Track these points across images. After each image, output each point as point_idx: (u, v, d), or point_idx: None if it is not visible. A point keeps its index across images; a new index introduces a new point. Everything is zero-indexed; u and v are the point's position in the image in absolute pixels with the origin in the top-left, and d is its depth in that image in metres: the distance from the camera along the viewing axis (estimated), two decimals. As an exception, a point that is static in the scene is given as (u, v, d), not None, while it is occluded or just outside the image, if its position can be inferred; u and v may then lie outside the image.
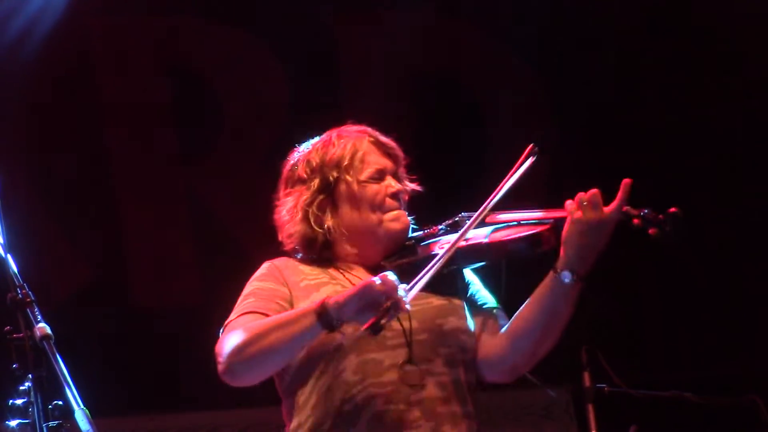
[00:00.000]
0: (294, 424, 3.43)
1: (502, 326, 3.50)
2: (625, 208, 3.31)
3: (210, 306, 6.27)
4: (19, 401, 3.03)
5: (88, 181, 6.83)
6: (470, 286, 3.60)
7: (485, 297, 3.59)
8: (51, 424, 2.98)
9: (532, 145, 3.48)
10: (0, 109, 6.49)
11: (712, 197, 7.16)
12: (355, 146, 3.56)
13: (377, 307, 3.16)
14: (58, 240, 6.68)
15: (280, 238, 3.61)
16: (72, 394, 2.90)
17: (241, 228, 6.77)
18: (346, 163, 3.53)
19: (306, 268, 3.53)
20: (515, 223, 3.42)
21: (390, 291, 3.15)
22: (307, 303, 3.38)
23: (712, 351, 7.06)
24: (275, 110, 7.02)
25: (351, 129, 3.64)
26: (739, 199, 7.17)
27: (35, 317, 3.05)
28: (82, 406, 2.89)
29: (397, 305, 3.14)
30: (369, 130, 3.64)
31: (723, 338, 7.06)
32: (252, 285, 3.51)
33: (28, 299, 3.09)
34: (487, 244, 3.39)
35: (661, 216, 3.26)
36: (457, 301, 3.50)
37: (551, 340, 3.44)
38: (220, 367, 3.33)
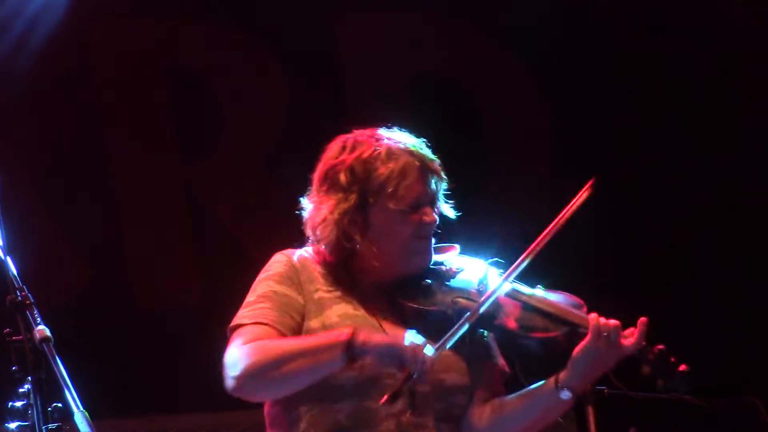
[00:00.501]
0: None
1: (499, 390, 3.50)
2: (642, 344, 3.31)
3: (210, 307, 6.30)
4: (18, 403, 3.03)
5: (88, 182, 6.84)
6: (476, 336, 3.53)
7: (489, 350, 3.55)
8: (50, 426, 2.98)
9: (593, 178, 3.39)
10: (0, 109, 6.49)
11: (712, 199, 7.16)
12: (404, 172, 3.43)
13: (398, 366, 3.17)
14: (58, 242, 6.68)
15: (305, 233, 3.55)
16: (71, 397, 2.90)
17: (242, 229, 6.78)
18: (390, 190, 3.41)
19: (321, 276, 3.48)
20: (536, 310, 3.38)
21: (418, 362, 3.14)
22: (319, 320, 3.38)
23: (711, 352, 7.05)
24: (275, 111, 7.02)
25: (401, 144, 3.49)
26: (739, 201, 7.16)
27: (35, 319, 3.04)
28: (81, 409, 2.89)
29: (419, 378, 3.16)
30: (418, 151, 3.49)
31: (722, 339, 7.05)
32: (268, 284, 3.44)
33: (28, 301, 3.08)
34: (502, 327, 3.38)
35: (671, 370, 3.30)
36: (460, 355, 3.44)
37: None
38: (231, 382, 3.28)
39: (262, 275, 3.48)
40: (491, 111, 7.18)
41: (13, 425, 3.04)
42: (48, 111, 6.68)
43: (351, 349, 3.18)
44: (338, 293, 3.45)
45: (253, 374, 3.24)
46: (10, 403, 3.04)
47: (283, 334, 3.34)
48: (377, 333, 3.28)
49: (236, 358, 3.28)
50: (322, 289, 3.44)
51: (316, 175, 3.54)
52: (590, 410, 5.33)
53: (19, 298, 3.08)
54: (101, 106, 6.95)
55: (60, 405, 2.99)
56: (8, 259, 3.18)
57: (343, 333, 3.22)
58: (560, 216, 3.37)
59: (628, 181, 7.18)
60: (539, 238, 3.34)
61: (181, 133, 7.08)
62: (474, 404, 3.46)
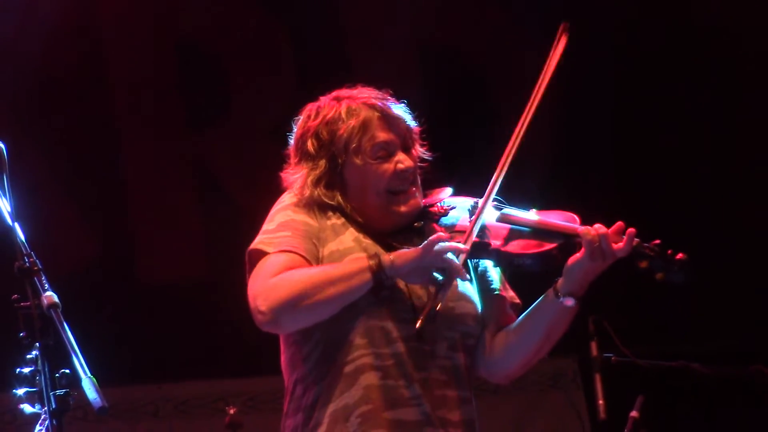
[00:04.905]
0: (297, 375, 3.41)
1: (509, 319, 3.52)
2: (636, 241, 3.28)
3: (217, 277, 6.31)
4: (26, 370, 3.02)
5: (97, 151, 6.86)
6: (482, 267, 3.57)
7: (496, 281, 3.57)
8: (58, 392, 2.98)
9: (564, 23, 3.45)
10: (9, 79, 6.50)
11: (721, 175, 7.16)
12: (364, 124, 3.46)
13: (429, 272, 3.22)
14: (66, 208, 6.70)
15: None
16: (79, 363, 2.90)
17: (249, 200, 6.78)
18: (354, 145, 3.44)
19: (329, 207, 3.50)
20: (528, 228, 3.39)
21: (449, 263, 3.20)
22: (335, 243, 3.40)
23: (719, 321, 7.06)
24: (283, 82, 7.02)
25: (360, 99, 3.52)
26: (745, 180, 7.18)
27: (42, 286, 3.04)
28: (89, 375, 2.90)
29: (449, 280, 3.21)
30: (377, 102, 3.51)
31: (730, 308, 7.06)
32: (286, 213, 3.45)
33: (36, 267, 3.08)
34: (497, 250, 3.38)
35: (668, 260, 3.24)
36: (469, 285, 3.48)
37: (546, 351, 3.49)
38: (261, 317, 3.29)
39: (277, 206, 3.50)
40: (497, 80, 7.18)
41: (20, 391, 3.03)
42: (57, 81, 6.70)
43: (381, 271, 3.23)
44: (348, 222, 3.47)
45: (286, 307, 3.26)
46: (18, 369, 3.04)
47: (308, 261, 3.36)
48: (401, 250, 3.30)
49: (267, 290, 3.29)
50: (333, 217, 3.47)
51: (291, 149, 3.58)
52: (598, 378, 5.35)
53: (27, 264, 3.08)
54: (110, 76, 6.97)
55: (68, 371, 2.98)
56: (16, 225, 3.18)
57: (366, 257, 3.28)
58: (536, 88, 3.51)
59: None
60: (516, 129, 3.50)
61: (189, 104, 7.10)
62: (485, 336, 3.50)
